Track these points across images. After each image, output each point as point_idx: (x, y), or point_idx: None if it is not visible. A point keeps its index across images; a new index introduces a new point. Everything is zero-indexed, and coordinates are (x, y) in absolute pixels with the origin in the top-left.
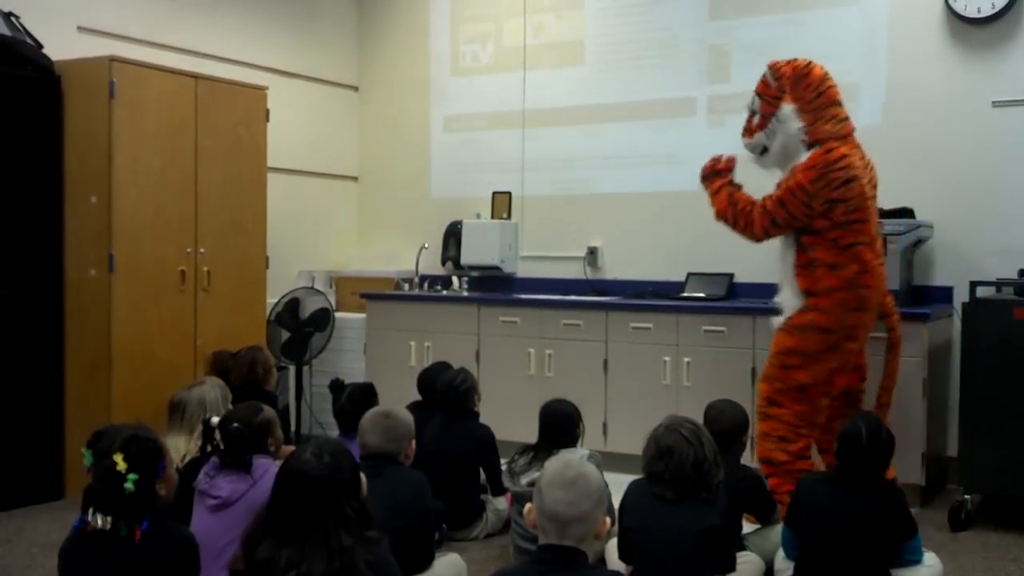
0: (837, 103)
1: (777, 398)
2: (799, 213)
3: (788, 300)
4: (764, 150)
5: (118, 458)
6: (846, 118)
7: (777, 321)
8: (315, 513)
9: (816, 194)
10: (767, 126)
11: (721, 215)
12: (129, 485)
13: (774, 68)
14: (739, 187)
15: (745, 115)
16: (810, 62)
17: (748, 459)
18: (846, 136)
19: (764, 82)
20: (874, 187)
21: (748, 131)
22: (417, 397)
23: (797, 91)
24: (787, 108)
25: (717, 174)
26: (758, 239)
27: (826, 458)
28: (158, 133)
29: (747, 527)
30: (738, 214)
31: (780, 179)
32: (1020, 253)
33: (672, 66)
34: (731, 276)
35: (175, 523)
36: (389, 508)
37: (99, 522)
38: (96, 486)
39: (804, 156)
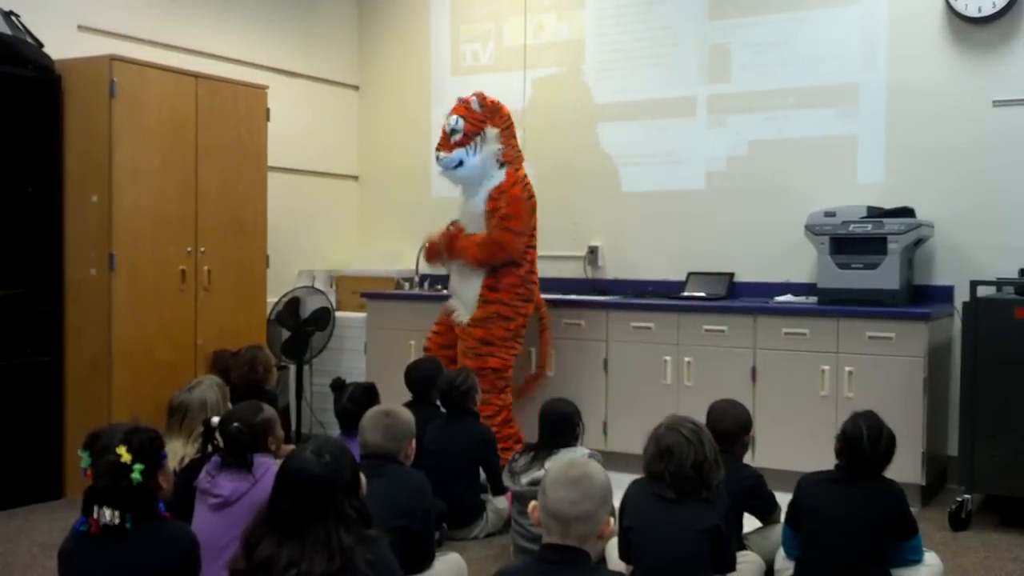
0: (515, 136)
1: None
2: (528, 218)
3: (468, 302)
4: (459, 164)
5: (122, 450)
6: (520, 149)
7: (461, 321)
8: (315, 512)
9: (527, 201)
10: (469, 144)
11: (479, 260)
12: (136, 476)
13: (480, 97)
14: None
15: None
16: (497, 100)
17: (749, 459)
18: (520, 161)
19: (468, 108)
20: None
21: (447, 147)
22: None
23: (496, 119)
24: (492, 131)
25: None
26: (514, 256)
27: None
28: (158, 132)
29: (747, 527)
30: (489, 248)
31: (471, 202)
32: (1020, 252)
33: (672, 66)
34: (731, 275)
35: (176, 522)
36: (389, 507)
37: (107, 516)
38: (101, 483)
39: (496, 172)
